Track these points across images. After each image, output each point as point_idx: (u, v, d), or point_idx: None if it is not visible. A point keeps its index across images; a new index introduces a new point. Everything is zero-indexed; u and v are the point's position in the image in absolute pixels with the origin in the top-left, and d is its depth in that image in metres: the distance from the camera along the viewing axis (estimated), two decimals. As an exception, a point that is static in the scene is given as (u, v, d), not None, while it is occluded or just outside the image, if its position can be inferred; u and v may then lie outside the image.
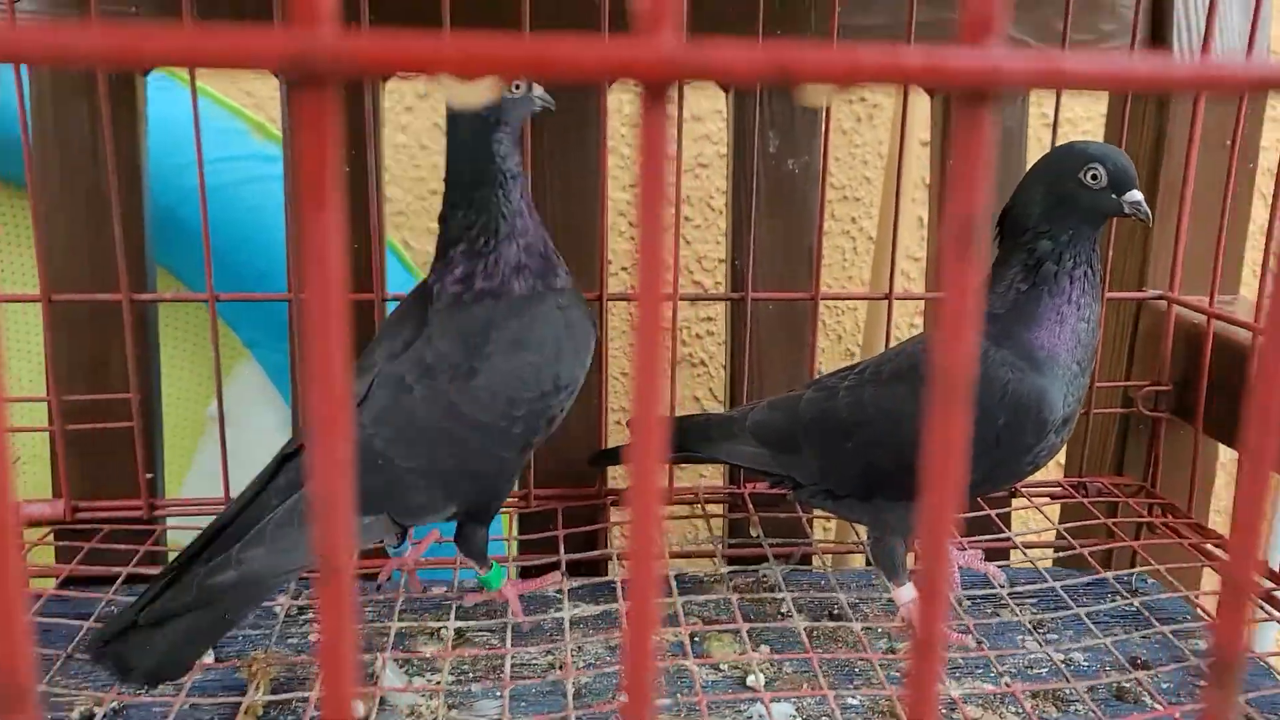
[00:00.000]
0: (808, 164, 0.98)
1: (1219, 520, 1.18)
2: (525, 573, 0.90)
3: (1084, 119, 1.40)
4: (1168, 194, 1.00)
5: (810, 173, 0.98)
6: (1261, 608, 0.84)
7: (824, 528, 1.31)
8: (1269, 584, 0.85)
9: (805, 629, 0.80)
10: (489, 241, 0.75)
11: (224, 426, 0.92)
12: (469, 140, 0.75)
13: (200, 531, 0.72)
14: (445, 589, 0.87)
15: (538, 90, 0.77)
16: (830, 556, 0.99)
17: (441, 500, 0.77)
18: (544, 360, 0.76)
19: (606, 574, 0.90)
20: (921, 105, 1.09)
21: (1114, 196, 0.73)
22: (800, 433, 0.81)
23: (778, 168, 0.98)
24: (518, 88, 0.75)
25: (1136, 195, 0.73)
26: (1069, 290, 0.74)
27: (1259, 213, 1.13)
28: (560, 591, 0.86)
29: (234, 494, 0.82)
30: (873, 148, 1.39)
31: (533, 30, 0.87)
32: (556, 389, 0.77)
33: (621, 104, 1.35)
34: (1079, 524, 0.97)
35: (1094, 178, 0.73)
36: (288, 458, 0.74)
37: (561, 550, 0.90)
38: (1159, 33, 1.00)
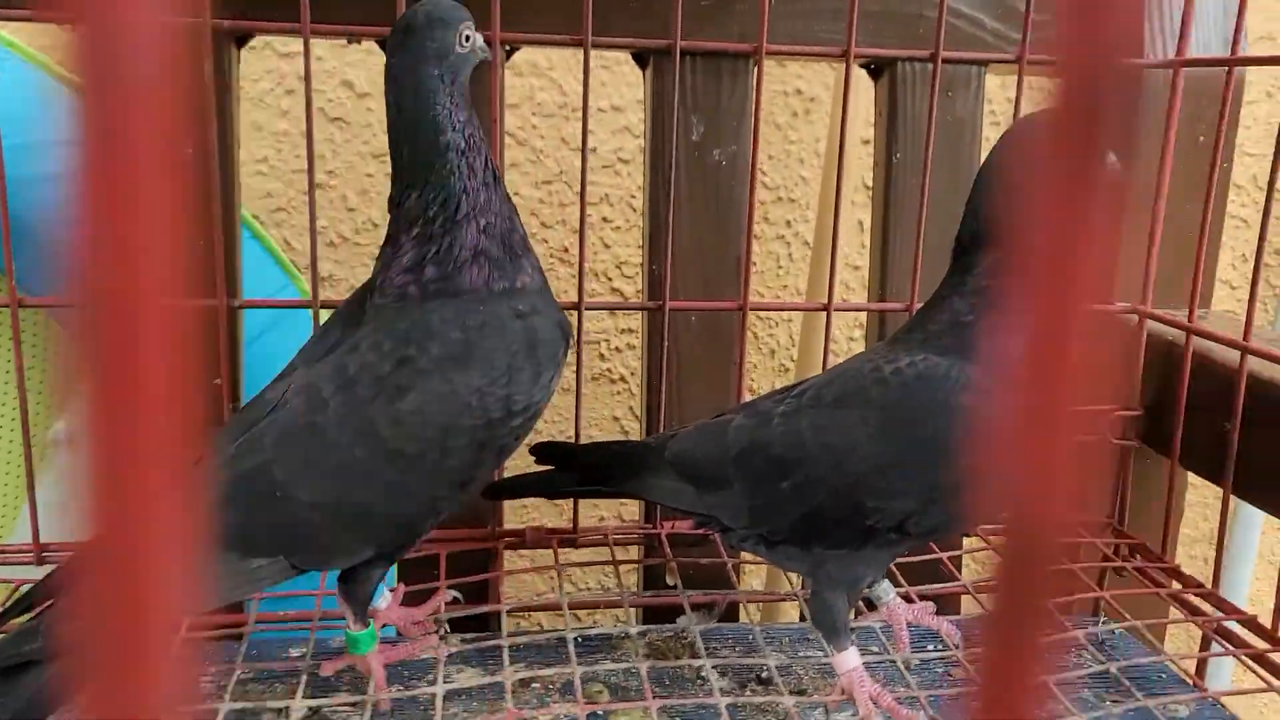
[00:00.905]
0: (735, 155, 0.86)
1: (1186, 558, 1.07)
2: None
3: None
4: (1137, 197, 0.89)
5: (739, 165, 0.86)
6: (1218, 642, 0.74)
7: (755, 574, 1.18)
8: (1218, 613, 0.75)
9: (727, 704, 0.67)
10: (444, 223, 0.62)
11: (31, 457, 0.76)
12: (415, 105, 0.61)
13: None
14: (301, 653, 0.73)
15: (478, 40, 0.63)
16: (760, 607, 0.86)
17: (353, 543, 0.63)
18: (493, 380, 0.62)
19: (498, 633, 0.76)
20: (864, 100, 0.96)
21: None
22: (728, 467, 0.68)
23: (701, 159, 0.85)
24: (466, 40, 0.62)
25: None
26: None
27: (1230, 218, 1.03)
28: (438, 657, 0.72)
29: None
30: (809, 145, 1.27)
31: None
32: (509, 415, 0.62)
33: (533, 90, 1.22)
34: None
35: None
36: None
37: (441, 605, 0.76)
38: (1128, 15, 0.89)
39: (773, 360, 1.32)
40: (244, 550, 0.61)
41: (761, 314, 1.30)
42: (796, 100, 1.26)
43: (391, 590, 0.75)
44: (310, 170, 0.76)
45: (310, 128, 0.75)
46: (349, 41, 0.87)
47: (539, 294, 0.65)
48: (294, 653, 0.75)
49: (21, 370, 0.75)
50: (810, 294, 1.18)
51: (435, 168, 0.62)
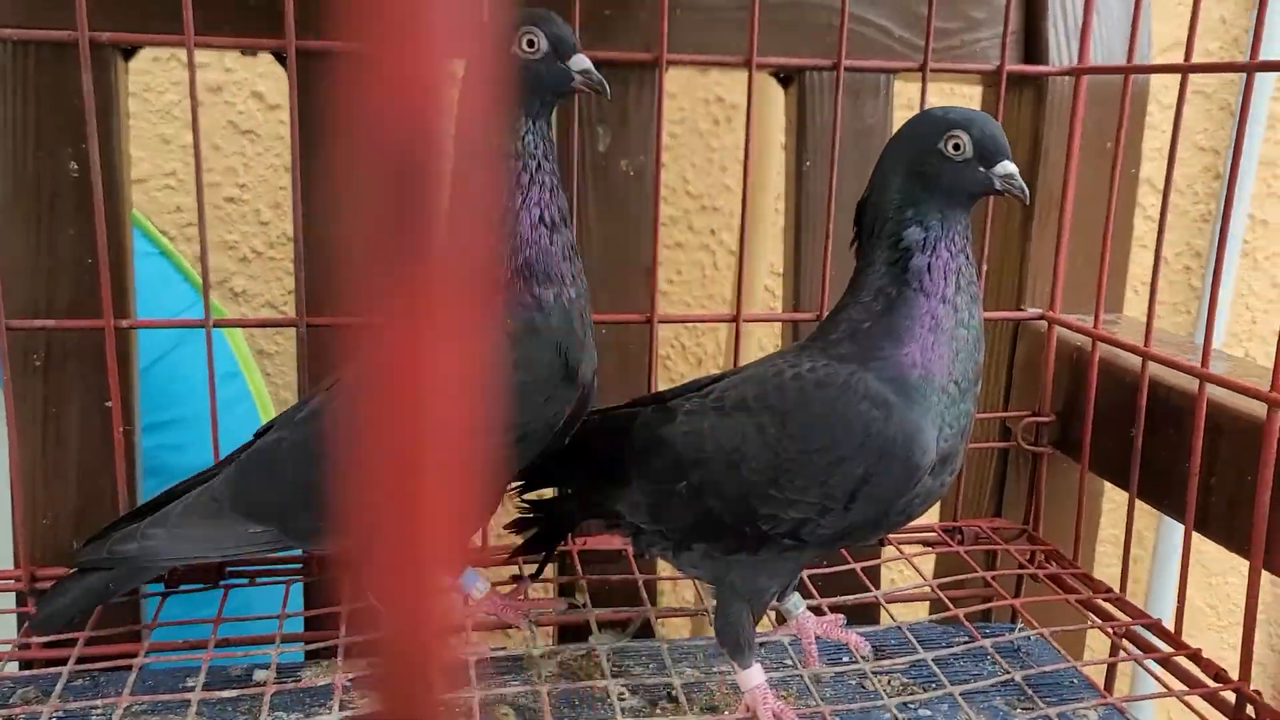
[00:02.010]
0: (644, 165, 0.84)
1: (1101, 564, 1.07)
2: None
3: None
4: (1046, 203, 0.90)
5: (648, 176, 0.85)
6: (1122, 647, 0.74)
7: (677, 592, 1.17)
8: (1167, 646, 0.75)
9: (632, 726, 0.65)
10: None
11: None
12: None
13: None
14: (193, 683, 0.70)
15: (578, 61, 0.60)
16: (674, 623, 0.85)
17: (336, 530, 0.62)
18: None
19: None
20: (778, 105, 0.96)
21: (981, 170, 0.60)
22: (630, 461, 0.67)
23: (608, 169, 0.84)
24: (530, 45, 0.59)
25: (1009, 168, 0.60)
26: (943, 288, 0.60)
27: (1140, 226, 1.04)
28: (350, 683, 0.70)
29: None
30: (732, 152, 1.26)
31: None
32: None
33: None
34: (956, 577, 0.85)
35: (956, 148, 0.60)
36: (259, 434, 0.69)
37: (342, 630, 0.74)
38: (1033, 22, 0.90)
39: (700, 369, 1.32)
40: (248, 514, 0.66)
41: (688, 323, 1.29)
42: (718, 108, 1.26)
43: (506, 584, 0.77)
44: (199, 189, 0.73)
45: (197, 141, 0.73)
46: (243, 53, 0.85)
47: (553, 316, 0.62)
48: (189, 682, 0.72)
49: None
50: (736, 302, 1.17)
51: None
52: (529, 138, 0.61)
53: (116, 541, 0.67)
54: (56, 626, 0.70)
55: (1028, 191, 0.60)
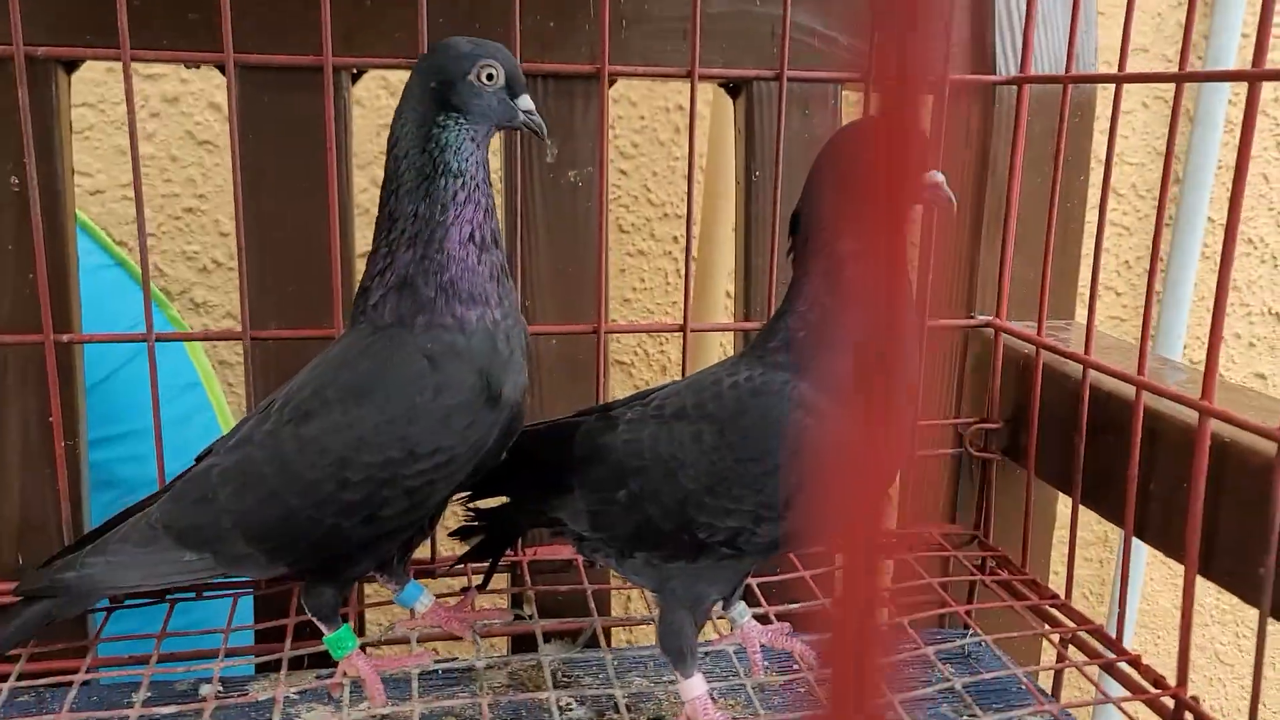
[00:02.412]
0: (591, 176, 0.85)
1: (1056, 570, 1.08)
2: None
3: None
4: (994, 210, 0.90)
5: (595, 186, 0.85)
6: (1060, 652, 0.74)
7: (628, 600, 1.17)
8: (1109, 652, 0.75)
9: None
10: (390, 245, 0.62)
11: None
12: (406, 115, 0.62)
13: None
14: (134, 699, 0.70)
15: (524, 101, 0.64)
16: (625, 634, 0.86)
17: (263, 558, 0.64)
18: (391, 419, 0.60)
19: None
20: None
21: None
22: (573, 470, 0.67)
23: (556, 180, 0.84)
24: (489, 78, 0.62)
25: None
26: None
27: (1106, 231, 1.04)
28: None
29: None
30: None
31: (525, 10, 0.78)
32: (411, 456, 0.61)
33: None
34: (907, 584, 0.86)
35: None
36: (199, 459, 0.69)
37: (287, 644, 0.74)
38: (979, 33, 0.90)
39: (665, 377, 1.32)
40: (181, 541, 0.65)
41: (636, 333, 1.29)
42: (679, 116, 1.26)
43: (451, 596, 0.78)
44: (138, 202, 0.73)
45: (135, 153, 0.73)
46: (186, 67, 0.85)
47: (475, 337, 0.62)
48: (132, 697, 0.72)
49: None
50: (698, 311, 1.17)
51: (404, 185, 0.62)
52: (471, 158, 0.62)
53: (58, 570, 0.67)
54: (2, 653, 0.69)
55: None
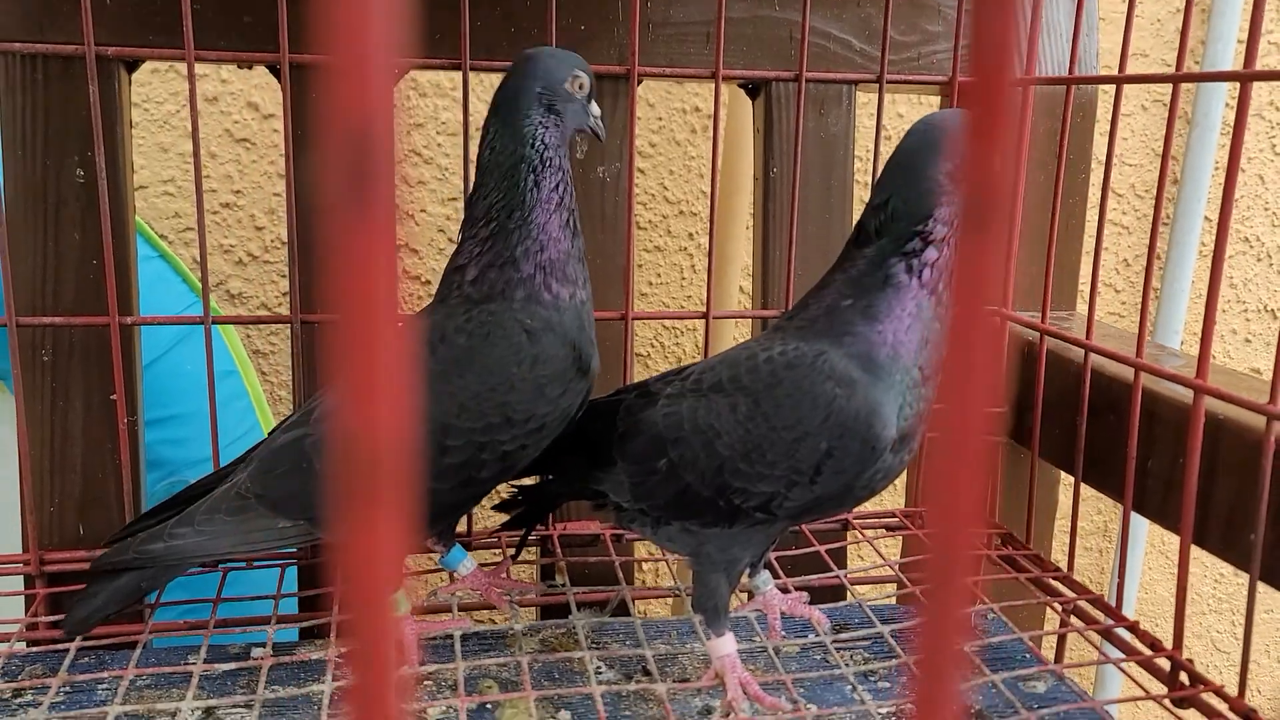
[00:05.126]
0: (619, 172, 0.89)
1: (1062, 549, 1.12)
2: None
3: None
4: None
5: (622, 181, 0.90)
6: (1063, 619, 0.79)
7: (655, 572, 1.22)
8: (1108, 620, 0.80)
9: (606, 693, 0.70)
10: (495, 229, 0.68)
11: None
12: (507, 110, 0.68)
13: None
14: (194, 660, 0.75)
15: (594, 107, 0.71)
16: (651, 603, 0.90)
17: None
18: (492, 387, 0.66)
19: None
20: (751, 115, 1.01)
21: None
22: (615, 444, 0.72)
23: (586, 175, 0.89)
24: (581, 86, 0.70)
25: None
26: (937, 282, 0.63)
27: (1106, 230, 1.09)
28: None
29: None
30: (709, 160, 1.31)
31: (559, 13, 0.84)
32: (508, 423, 0.66)
33: (437, 110, 1.25)
34: (917, 558, 0.90)
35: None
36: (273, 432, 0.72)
37: (335, 610, 0.79)
38: (987, 36, 0.95)
39: (680, 369, 1.37)
40: (276, 509, 0.69)
41: (668, 323, 1.34)
42: (695, 117, 1.31)
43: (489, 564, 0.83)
44: (199, 194, 0.78)
45: (197, 151, 0.78)
46: (240, 66, 0.90)
47: (566, 314, 0.68)
48: (190, 659, 0.77)
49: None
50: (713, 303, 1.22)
51: (508, 175, 0.67)
52: (564, 155, 0.69)
53: (142, 542, 0.70)
54: (90, 627, 0.73)
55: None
